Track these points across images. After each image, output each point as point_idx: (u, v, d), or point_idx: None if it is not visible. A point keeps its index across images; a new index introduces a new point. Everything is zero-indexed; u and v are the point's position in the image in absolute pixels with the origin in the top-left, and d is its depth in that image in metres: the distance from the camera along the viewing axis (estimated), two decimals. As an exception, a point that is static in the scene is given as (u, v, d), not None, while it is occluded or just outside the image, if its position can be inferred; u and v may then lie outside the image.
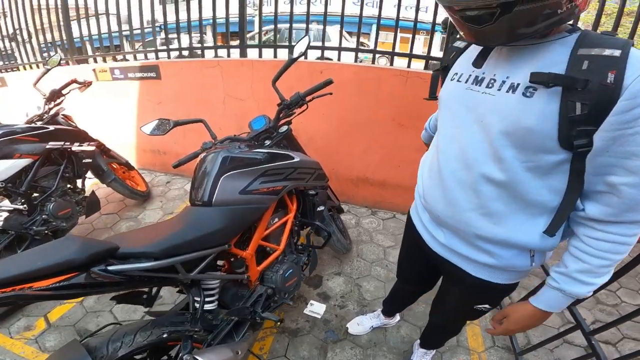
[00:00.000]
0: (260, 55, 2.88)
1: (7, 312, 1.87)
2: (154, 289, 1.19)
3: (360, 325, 1.85)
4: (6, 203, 1.92)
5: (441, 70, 0.98)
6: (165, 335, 1.09)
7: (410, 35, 2.43)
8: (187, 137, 3.16)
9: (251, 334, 1.44)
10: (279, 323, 1.72)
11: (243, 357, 1.30)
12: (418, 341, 1.69)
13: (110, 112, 3.46)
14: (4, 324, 1.86)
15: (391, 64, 2.63)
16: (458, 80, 0.84)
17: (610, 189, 0.65)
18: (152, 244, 0.96)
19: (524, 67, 0.69)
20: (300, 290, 2.13)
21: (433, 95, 1.04)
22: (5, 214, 1.90)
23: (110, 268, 0.84)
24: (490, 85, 0.75)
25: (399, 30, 2.49)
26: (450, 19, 0.72)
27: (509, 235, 0.79)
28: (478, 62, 0.81)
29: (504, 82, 0.72)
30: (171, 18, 3.03)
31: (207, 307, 1.21)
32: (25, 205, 1.95)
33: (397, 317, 1.90)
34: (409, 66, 2.50)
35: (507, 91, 0.71)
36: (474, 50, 0.84)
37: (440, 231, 0.96)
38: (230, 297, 1.40)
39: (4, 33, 3.96)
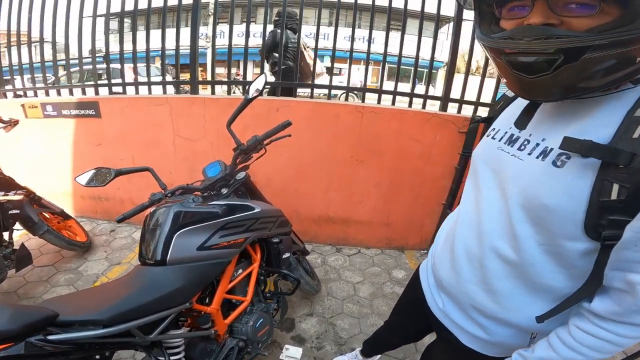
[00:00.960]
0: (213, 92, 2.78)
1: None
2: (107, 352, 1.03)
3: None
4: None
5: (485, 121, 0.84)
6: None
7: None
8: (132, 182, 2.79)
9: None
10: None
11: None
12: None
13: (42, 154, 3.04)
14: None
15: (362, 100, 2.70)
16: (493, 137, 0.73)
17: (628, 288, 0.53)
18: (100, 310, 0.85)
19: (563, 127, 0.57)
20: (273, 336, 1.97)
21: (467, 150, 0.93)
22: None
23: (51, 338, 0.73)
24: (522, 147, 0.64)
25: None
26: (491, 61, 0.59)
27: (510, 316, 0.71)
28: (521, 120, 0.69)
29: (537, 144, 0.61)
30: (114, 48, 2.80)
31: None
32: None
33: (377, 357, 1.81)
34: (363, 101, 2.59)
35: (538, 157, 0.59)
36: (521, 102, 0.72)
37: (440, 297, 0.90)
38: (199, 353, 1.27)
39: None
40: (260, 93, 1.41)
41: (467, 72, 2.43)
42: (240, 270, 1.42)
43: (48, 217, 2.43)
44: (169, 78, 3.23)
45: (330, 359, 1.88)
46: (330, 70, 2.72)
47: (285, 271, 1.68)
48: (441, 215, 2.63)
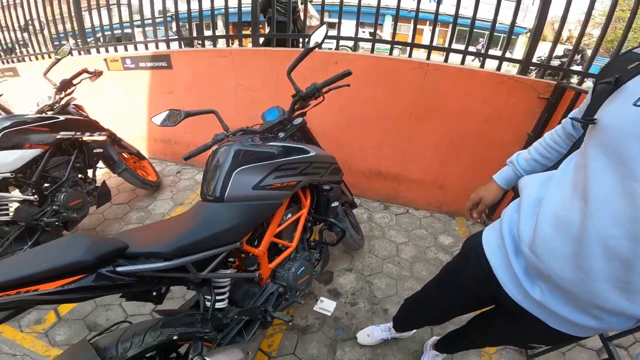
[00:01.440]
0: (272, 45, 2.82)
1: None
2: (164, 287, 1.14)
3: (370, 336, 1.75)
4: (16, 193, 1.89)
5: (613, 84, 0.67)
6: (175, 337, 1.06)
7: (426, 27, 2.35)
8: (197, 127, 3.10)
9: (261, 333, 1.41)
10: (289, 323, 1.68)
11: (252, 357, 1.27)
12: (430, 341, 1.63)
13: (122, 101, 3.44)
14: (15, 317, 1.85)
15: (409, 56, 2.54)
16: None
17: None
18: (163, 243, 0.92)
19: None
20: (311, 287, 2.07)
21: (590, 117, 0.70)
22: (16, 205, 1.88)
23: (119, 269, 0.80)
24: None
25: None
26: None
27: (637, 309, 0.65)
28: None
29: None
30: (182, 7, 2.98)
31: (217, 305, 1.17)
32: (35, 196, 1.93)
33: (412, 332, 1.78)
34: (428, 58, 2.41)
35: None
36: None
37: (538, 287, 0.78)
38: (241, 295, 1.36)
39: (17, 24, 3.96)
40: (320, 45, 1.40)
41: (557, 39, 2.15)
42: (289, 215, 1.47)
43: (126, 157, 2.73)
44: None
45: (362, 316, 1.92)
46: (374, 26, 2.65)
47: (332, 220, 1.67)
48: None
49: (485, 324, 1.14)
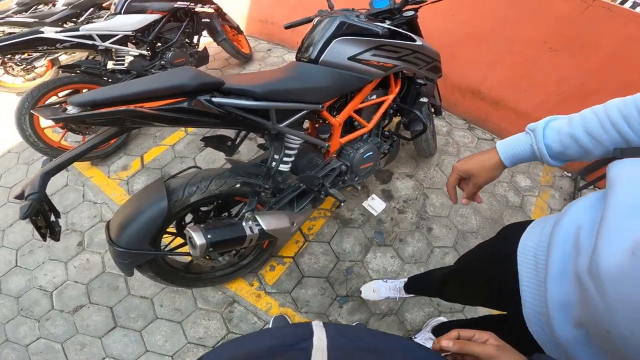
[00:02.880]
0: None
1: (112, 150, 2.34)
2: (239, 138, 1.30)
3: (375, 292, 1.65)
4: (133, 49, 2.27)
5: None
6: (237, 185, 1.22)
7: None
8: (296, 12, 3.06)
9: (309, 209, 1.51)
10: (341, 204, 1.76)
11: (295, 229, 1.38)
12: (432, 321, 1.54)
13: None
14: (107, 161, 2.32)
15: None
16: None
17: None
18: (255, 85, 1.01)
19: None
20: (366, 181, 2.15)
21: None
22: (131, 58, 2.27)
23: (214, 100, 0.91)
24: None
25: None
26: None
27: None
28: None
29: None
30: None
31: (281, 168, 1.28)
32: (149, 52, 2.31)
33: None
34: None
35: None
36: None
37: (575, 328, 0.54)
38: (305, 163, 1.47)
39: None
40: None
41: None
42: (374, 96, 1.48)
43: (227, 29, 2.95)
44: None
45: (405, 227, 1.94)
46: None
47: (417, 112, 1.64)
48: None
49: (494, 327, 1.02)
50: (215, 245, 1.08)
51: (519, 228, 0.73)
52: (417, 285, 1.49)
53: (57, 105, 0.86)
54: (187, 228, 1.08)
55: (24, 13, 2.99)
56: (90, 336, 1.59)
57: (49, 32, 1.90)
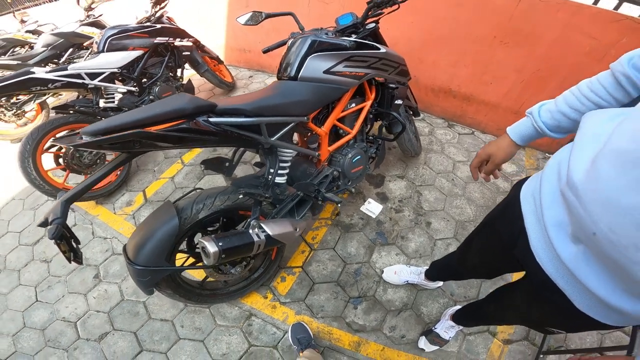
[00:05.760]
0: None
1: (114, 189, 2.38)
2: (235, 159, 1.39)
3: (396, 274, 1.75)
4: (121, 86, 2.33)
5: None
6: (240, 197, 1.30)
7: None
8: (270, 36, 3.23)
9: (310, 217, 1.61)
10: (339, 207, 1.87)
11: (298, 237, 1.48)
12: (450, 310, 1.56)
13: (203, 14, 3.72)
14: (111, 199, 2.38)
15: None
16: None
17: None
18: (244, 103, 1.11)
19: None
20: (360, 187, 2.25)
21: None
22: (120, 95, 2.33)
23: (210, 119, 1.01)
24: None
25: None
26: None
27: None
28: None
29: None
30: None
31: (278, 180, 1.37)
32: (136, 88, 2.38)
33: (440, 283, 1.73)
34: None
35: None
36: None
37: (571, 246, 0.64)
38: (300, 173, 1.56)
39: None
40: None
41: None
42: (353, 104, 1.60)
43: (207, 60, 3.05)
44: None
45: (404, 224, 2.02)
46: None
47: (394, 113, 1.75)
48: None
49: (506, 296, 1.06)
50: (227, 252, 1.13)
51: (522, 181, 0.87)
52: (439, 269, 1.55)
53: (73, 135, 0.93)
54: (200, 239, 1.14)
55: (1, 56, 3.05)
56: (119, 363, 1.58)
57: (40, 73, 1.95)
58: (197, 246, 1.29)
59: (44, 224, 0.90)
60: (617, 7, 1.96)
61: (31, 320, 1.82)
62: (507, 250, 0.86)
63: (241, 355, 1.57)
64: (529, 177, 0.86)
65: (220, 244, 1.11)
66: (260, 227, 1.26)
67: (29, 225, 2.34)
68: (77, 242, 0.97)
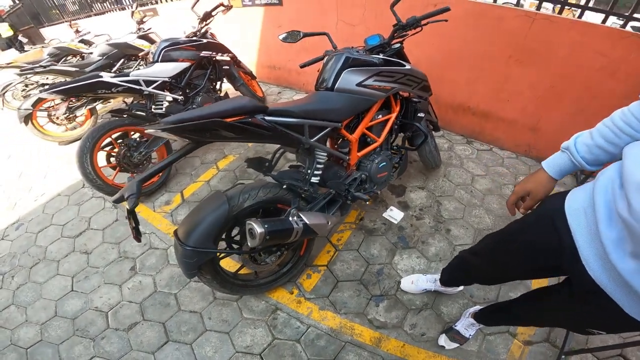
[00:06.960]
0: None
1: (155, 189, 2.60)
2: (274, 159, 1.58)
3: (414, 284, 1.79)
4: (169, 94, 2.55)
5: None
6: (282, 189, 1.47)
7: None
8: (300, 55, 3.52)
9: (338, 215, 1.76)
10: (367, 202, 2.05)
11: (329, 230, 1.62)
12: (470, 310, 1.59)
13: (240, 32, 4.06)
14: (151, 198, 2.58)
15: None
16: None
17: None
18: (292, 106, 1.34)
19: None
20: (383, 196, 2.37)
21: None
22: (167, 103, 2.55)
23: (266, 118, 1.23)
24: None
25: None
26: None
27: None
28: None
29: None
30: None
31: (313, 179, 1.57)
32: (182, 97, 2.62)
33: (460, 287, 1.77)
34: (538, 9, 2.27)
35: None
36: None
37: (632, 260, 0.67)
38: (331, 174, 1.73)
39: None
40: None
41: None
42: (380, 115, 1.79)
43: (242, 75, 3.30)
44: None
45: (425, 230, 2.11)
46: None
47: (417, 124, 1.94)
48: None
49: (540, 300, 1.08)
50: (271, 234, 1.27)
51: (556, 196, 0.90)
52: (451, 274, 1.57)
53: (156, 124, 1.14)
54: (247, 221, 1.29)
55: (55, 64, 3.37)
56: (144, 352, 1.68)
57: (106, 77, 2.15)
58: (243, 229, 1.45)
59: (119, 200, 1.11)
60: (604, 21, 2.10)
61: (63, 310, 1.93)
62: (538, 260, 0.90)
63: (264, 348, 1.65)
64: (565, 191, 0.88)
65: (265, 225, 1.25)
66: (299, 217, 1.41)
67: (72, 219, 2.54)
68: (138, 224, 1.18)
